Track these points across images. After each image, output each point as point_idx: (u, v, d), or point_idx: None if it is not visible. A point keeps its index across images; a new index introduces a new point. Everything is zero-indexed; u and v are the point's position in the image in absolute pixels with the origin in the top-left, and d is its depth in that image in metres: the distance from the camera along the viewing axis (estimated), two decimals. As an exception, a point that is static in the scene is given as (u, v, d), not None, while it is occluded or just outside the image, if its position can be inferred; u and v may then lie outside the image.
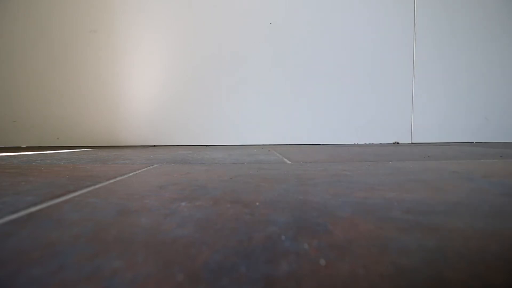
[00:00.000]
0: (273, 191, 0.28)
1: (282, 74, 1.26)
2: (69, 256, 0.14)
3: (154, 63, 1.26)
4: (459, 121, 1.29)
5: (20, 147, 1.18)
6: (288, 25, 1.25)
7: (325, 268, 0.12)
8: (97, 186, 0.31)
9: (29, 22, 1.25)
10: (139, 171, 0.43)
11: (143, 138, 1.27)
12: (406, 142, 1.24)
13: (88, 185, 0.31)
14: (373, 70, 1.26)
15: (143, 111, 1.27)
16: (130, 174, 0.40)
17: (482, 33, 1.28)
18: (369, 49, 1.25)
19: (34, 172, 0.42)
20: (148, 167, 0.47)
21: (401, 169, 0.43)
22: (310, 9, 1.25)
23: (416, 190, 0.28)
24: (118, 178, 0.36)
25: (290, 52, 1.26)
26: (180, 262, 0.13)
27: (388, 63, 1.26)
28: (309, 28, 1.25)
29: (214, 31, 1.25)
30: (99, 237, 0.16)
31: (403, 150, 0.83)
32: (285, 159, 0.58)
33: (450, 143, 1.24)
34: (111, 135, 1.27)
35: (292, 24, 1.25)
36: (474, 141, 1.28)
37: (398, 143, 1.22)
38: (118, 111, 1.27)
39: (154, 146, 1.22)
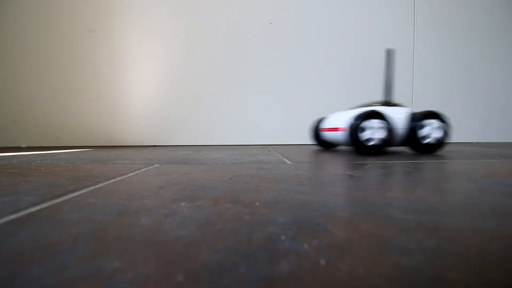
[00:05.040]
0: (273, 191, 0.28)
1: (282, 74, 1.26)
2: (69, 256, 0.14)
3: (154, 64, 1.26)
4: (459, 121, 1.29)
5: (20, 147, 1.18)
6: (289, 26, 1.25)
7: (325, 268, 0.12)
8: (97, 186, 0.31)
9: (29, 22, 1.25)
10: (139, 171, 0.43)
11: (143, 138, 1.27)
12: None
13: (88, 185, 0.31)
14: (374, 70, 1.26)
15: (143, 111, 1.27)
16: (130, 174, 0.40)
17: (482, 32, 1.28)
18: (370, 48, 1.25)
19: (34, 172, 0.41)
20: (148, 167, 0.47)
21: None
22: (310, 10, 1.24)
23: (417, 190, 0.28)
24: (118, 178, 0.36)
25: (290, 52, 1.26)
26: (180, 262, 0.13)
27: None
28: (310, 28, 1.25)
29: (214, 31, 1.25)
30: (99, 237, 0.16)
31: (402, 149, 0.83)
32: (285, 159, 0.58)
33: (450, 143, 1.24)
34: (111, 135, 1.27)
35: (292, 24, 1.25)
36: (474, 141, 1.28)
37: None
38: (118, 111, 1.27)
39: (154, 146, 1.22)
